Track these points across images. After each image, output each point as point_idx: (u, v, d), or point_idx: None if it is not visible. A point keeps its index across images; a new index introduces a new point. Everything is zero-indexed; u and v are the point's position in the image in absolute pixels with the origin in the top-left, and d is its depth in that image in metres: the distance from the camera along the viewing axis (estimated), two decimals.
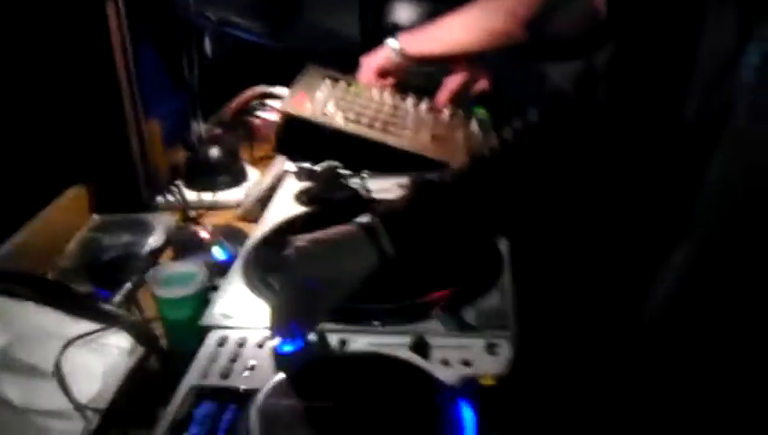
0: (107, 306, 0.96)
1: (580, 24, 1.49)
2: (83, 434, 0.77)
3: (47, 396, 0.81)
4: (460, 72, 1.46)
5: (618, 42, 0.83)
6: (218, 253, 1.14)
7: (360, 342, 0.84)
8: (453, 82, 1.46)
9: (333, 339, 0.84)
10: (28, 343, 0.88)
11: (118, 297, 1.04)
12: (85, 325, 0.91)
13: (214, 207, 1.31)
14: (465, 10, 1.41)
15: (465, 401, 0.73)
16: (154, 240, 1.17)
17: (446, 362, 0.80)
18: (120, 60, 1.27)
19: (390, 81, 1.49)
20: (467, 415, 0.71)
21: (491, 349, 0.82)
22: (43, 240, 1.14)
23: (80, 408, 0.79)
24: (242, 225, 1.26)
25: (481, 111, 1.50)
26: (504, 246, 1.03)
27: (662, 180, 0.77)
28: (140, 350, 0.90)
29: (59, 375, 0.83)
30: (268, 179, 1.32)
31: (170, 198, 1.31)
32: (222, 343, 0.84)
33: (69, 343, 0.87)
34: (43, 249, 1.13)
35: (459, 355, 0.81)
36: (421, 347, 0.82)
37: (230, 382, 0.78)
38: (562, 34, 1.50)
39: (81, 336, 0.88)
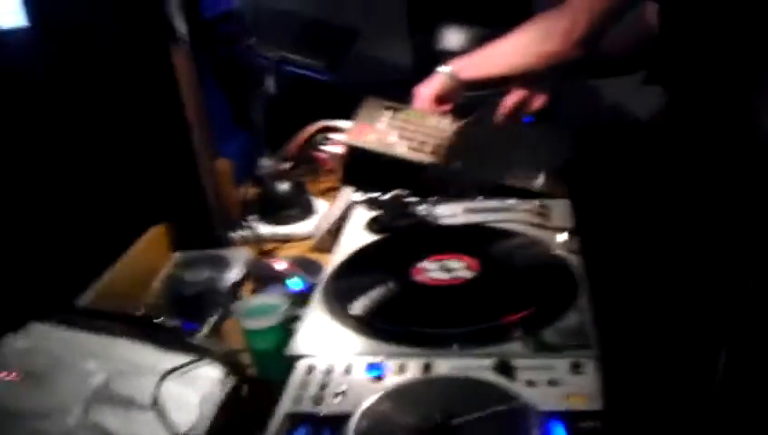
0: (197, 339, 1.00)
1: (633, 40, 1.50)
2: None
3: (147, 427, 0.85)
4: (516, 93, 1.48)
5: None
6: (295, 284, 1.18)
7: (443, 366, 0.86)
8: (510, 101, 1.48)
9: (416, 364, 0.86)
10: (125, 377, 0.92)
11: (204, 330, 1.08)
12: (177, 358, 0.95)
13: (286, 239, 1.35)
14: (517, 33, 1.42)
15: (557, 421, 0.74)
16: (234, 274, 1.21)
17: (531, 383, 0.81)
18: (190, 103, 1.33)
19: (446, 107, 1.52)
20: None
21: (576, 369, 0.83)
22: (129, 279, 1.19)
23: None
24: (315, 255, 1.30)
25: None
26: (578, 264, 1.04)
27: (742, 195, 0.78)
28: (231, 380, 0.94)
29: (157, 406, 0.86)
30: (337, 211, 1.35)
31: (243, 233, 1.35)
32: (310, 371, 0.87)
33: (166, 374, 0.91)
34: (129, 288, 1.18)
35: (544, 376, 0.82)
36: (505, 369, 0.83)
37: (323, 408, 0.80)
38: (615, 51, 1.51)
39: (176, 368, 0.92)
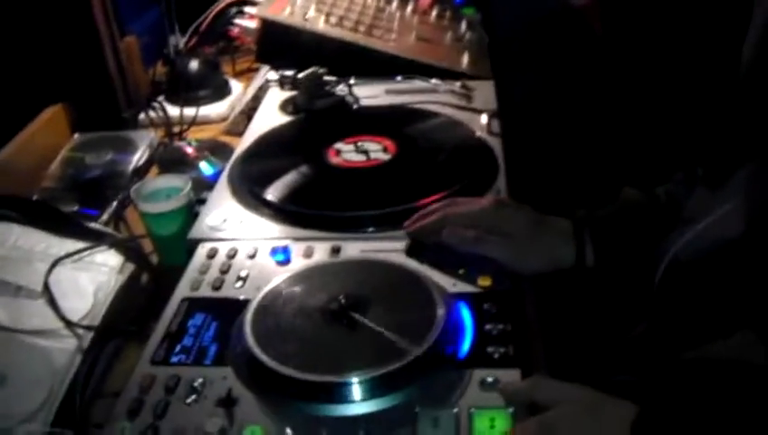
0: (93, 225, 0.93)
1: None
2: (76, 351, 0.76)
3: (37, 316, 0.80)
4: None
5: None
6: (206, 168, 1.12)
7: (354, 248, 0.82)
8: None
9: (326, 247, 0.82)
10: (15, 265, 0.86)
11: (105, 216, 1.02)
12: (72, 245, 0.89)
13: (197, 122, 1.27)
14: None
15: (463, 302, 0.72)
16: (138, 157, 1.13)
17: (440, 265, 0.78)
18: None
19: None
20: (465, 316, 0.70)
21: None
22: (24, 161, 1.11)
23: (70, 325, 0.78)
24: (227, 139, 1.23)
25: (470, 11, 1.45)
26: (497, 146, 1.00)
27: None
28: (131, 267, 0.89)
29: (48, 294, 0.81)
30: (251, 91, 1.28)
31: (153, 114, 1.27)
32: (212, 254, 0.82)
33: (57, 261, 0.85)
34: (24, 170, 1.10)
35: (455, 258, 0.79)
36: (416, 251, 0.81)
37: (222, 293, 0.76)
38: None
39: (69, 255, 0.87)
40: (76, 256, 0.87)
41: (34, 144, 1.14)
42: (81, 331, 0.78)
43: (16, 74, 1.19)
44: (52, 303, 0.80)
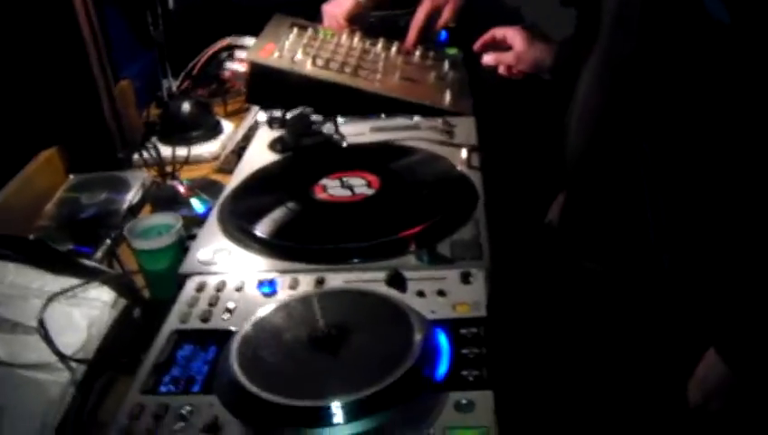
0: (87, 262, 0.97)
1: None
2: (69, 384, 0.79)
3: (33, 350, 0.83)
4: (423, 7, 1.45)
5: None
6: (197, 205, 1.15)
7: (338, 279, 0.86)
8: (417, 19, 1.45)
9: (310, 278, 0.86)
10: (11, 302, 0.89)
11: (99, 253, 1.05)
12: (67, 281, 0.92)
13: (190, 161, 1.31)
14: None
15: (440, 329, 0.75)
16: (131, 196, 1.17)
17: (421, 294, 0.82)
18: (84, 22, 1.26)
19: (357, 27, 1.48)
20: (442, 341, 0.73)
21: (465, 278, 0.84)
22: (21, 203, 1.15)
23: (64, 359, 0.81)
24: (219, 177, 1.27)
25: (452, 51, 1.50)
26: (477, 179, 1.04)
27: None
28: (122, 302, 0.92)
29: (42, 329, 0.84)
30: (242, 131, 1.32)
31: (146, 154, 1.31)
32: (201, 288, 0.85)
33: (51, 297, 0.88)
34: (21, 211, 1.14)
35: (435, 286, 0.82)
36: (397, 281, 0.84)
37: (210, 325, 0.79)
38: None
39: (63, 291, 0.89)
40: (70, 293, 0.90)
41: (31, 185, 1.18)
42: (74, 364, 0.81)
43: (14, 118, 1.23)
44: (47, 338, 0.83)
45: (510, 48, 1.25)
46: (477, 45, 1.31)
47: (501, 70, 1.27)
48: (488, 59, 1.28)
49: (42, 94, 1.24)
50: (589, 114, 0.95)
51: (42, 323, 0.85)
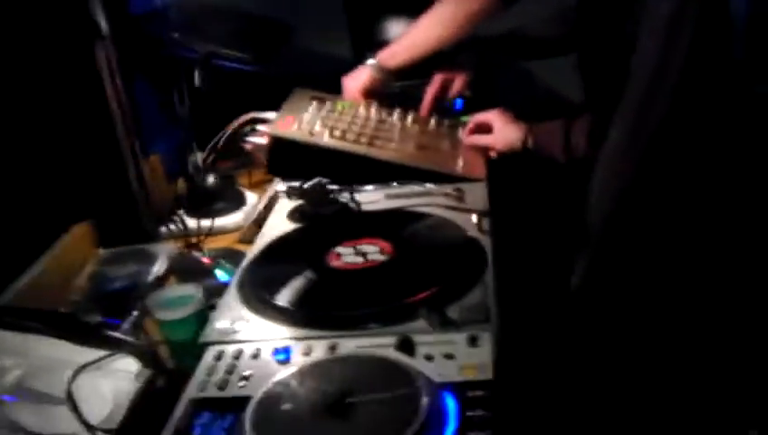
0: (113, 333, 1.01)
1: (558, 20, 1.53)
2: None
3: (61, 420, 0.87)
4: (437, 78, 1.51)
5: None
6: (221, 274, 1.20)
7: (350, 345, 0.89)
8: (432, 89, 1.50)
9: (324, 344, 0.89)
10: (42, 373, 0.94)
11: (126, 325, 1.10)
12: (93, 353, 0.97)
13: (215, 232, 1.37)
14: (435, 7, 1.44)
15: (448, 392, 0.77)
16: (157, 268, 1.22)
17: (429, 358, 0.84)
18: (114, 99, 1.33)
19: (375, 99, 1.54)
20: (449, 404, 0.76)
21: (473, 342, 0.86)
22: (53, 277, 1.20)
23: (91, 429, 0.85)
24: (242, 247, 1.32)
25: (466, 118, 1.55)
26: (487, 244, 1.07)
27: None
28: (148, 372, 0.96)
29: (70, 400, 0.88)
30: (263, 202, 1.37)
31: (173, 226, 1.37)
32: (219, 357, 0.89)
33: (79, 370, 0.92)
34: (53, 286, 1.19)
35: (443, 350, 0.85)
36: (406, 346, 0.87)
37: (227, 393, 0.83)
38: (542, 35, 1.55)
39: (90, 363, 0.94)
40: (97, 364, 0.95)
41: (62, 260, 1.24)
42: (101, 434, 0.85)
43: (46, 192, 1.29)
44: (75, 409, 0.87)
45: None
46: (466, 132, 1.42)
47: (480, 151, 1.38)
48: (467, 141, 1.41)
49: (72, 170, 1.31)
50: (616, 177, 0.99)
51: (70, 394, 0.89)
